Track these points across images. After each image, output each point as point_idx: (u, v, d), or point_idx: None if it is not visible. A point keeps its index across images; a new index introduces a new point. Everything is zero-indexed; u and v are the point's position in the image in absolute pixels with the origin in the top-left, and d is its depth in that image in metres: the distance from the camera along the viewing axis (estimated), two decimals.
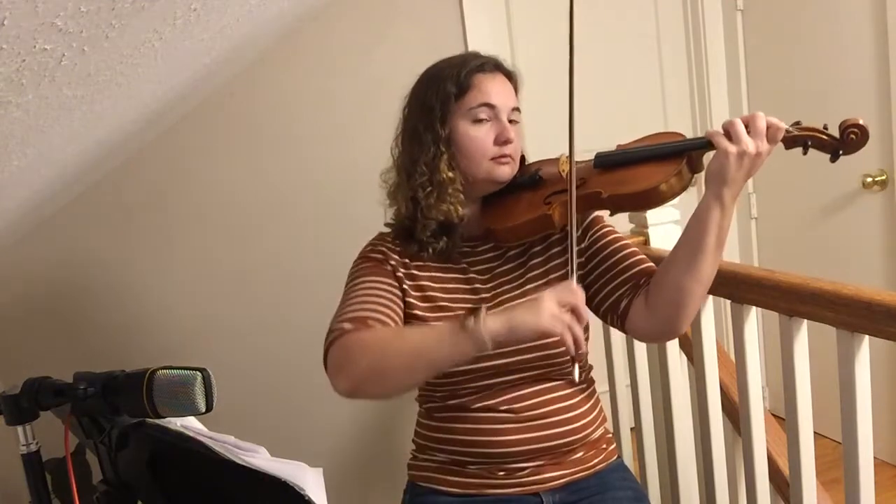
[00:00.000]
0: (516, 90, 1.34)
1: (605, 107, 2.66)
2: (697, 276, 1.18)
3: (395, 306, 1.25)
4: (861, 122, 1.12)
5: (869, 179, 2.48)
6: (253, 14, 1.44)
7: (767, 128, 1.12)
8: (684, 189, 1.21)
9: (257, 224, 2.24)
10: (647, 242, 1.83)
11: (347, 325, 1.18)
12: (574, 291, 1.10)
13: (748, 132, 1.12)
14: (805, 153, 1.17)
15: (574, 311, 1.08)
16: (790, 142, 1.16)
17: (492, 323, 1.06)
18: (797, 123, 1.17)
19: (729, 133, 1.13)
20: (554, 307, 1.07)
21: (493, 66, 1.30)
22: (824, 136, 1.15)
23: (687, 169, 1.20)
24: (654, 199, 1.21)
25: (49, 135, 1.16)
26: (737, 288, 1.42)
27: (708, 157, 1.19)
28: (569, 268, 1.19)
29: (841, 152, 1.15)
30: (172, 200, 2.16)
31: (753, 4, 2.84)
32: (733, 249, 3.03)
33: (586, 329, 1.33)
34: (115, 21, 0.85)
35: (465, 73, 1.26)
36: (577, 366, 1.21)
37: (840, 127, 1.14)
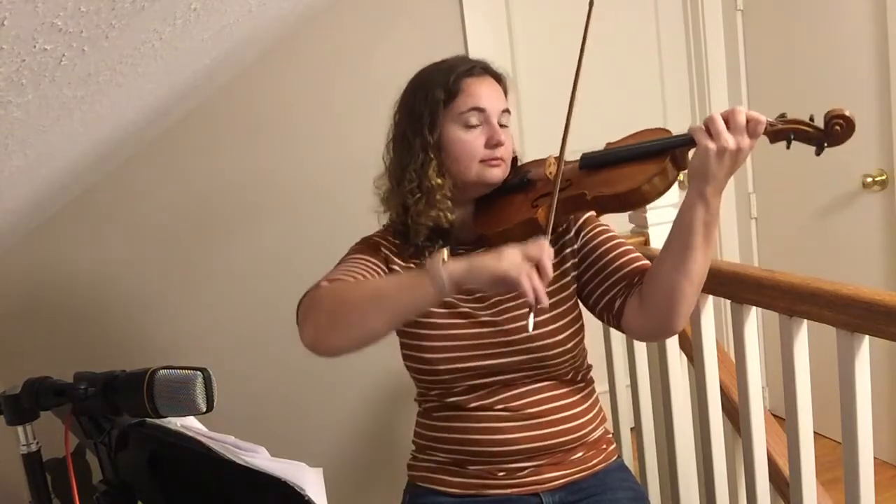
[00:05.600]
0: (506, 92, 1.33)
1: (605, 107, 2.66)
2: (688, 274, 1.17)
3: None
4: (847, 112, 1.08)
5: (869, 179, 2.48)
6: (253, 14, 1.44)
7: (747, 122, 1.09)
8: (669, 187, 1.19)
9: (258, 224, 2.24)
10: (647, 242, 1.83)
11: (324, 284, 1.20)
12: (542, 246, 1.09)
13: (728, 128, 1.09)
14: (788, 147, 1.13)
15: (538, 266, 1.08)
16: (773, 135, 1.13)
17: (452, 264, 1.08)
18: (782, 116, 1.13)
19: (709, 129, 1.10)
20: (516, 257, 1.08)
21: (482, 69, 1.30)
22: (808, 129, 1.11)
23: (671, 167, 1.17)
24: (637, 199, 1.19)
25: (49, 135, 1.16)
26: (737, 288, 1.42)
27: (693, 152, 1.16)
28: (547, 226, 1.17)
29: (826, 144, 1.11)
30: (172, 200, 2.16)
31: (753, 4, 2.84)
32: (733, 249, 3.03)
33: (575, 319, 1.31)
34: (115, 21, 0.85)
35: (453, 77, 1.26)
36: (531, 316, 1.13)
37: (825, 118, 1.10)
